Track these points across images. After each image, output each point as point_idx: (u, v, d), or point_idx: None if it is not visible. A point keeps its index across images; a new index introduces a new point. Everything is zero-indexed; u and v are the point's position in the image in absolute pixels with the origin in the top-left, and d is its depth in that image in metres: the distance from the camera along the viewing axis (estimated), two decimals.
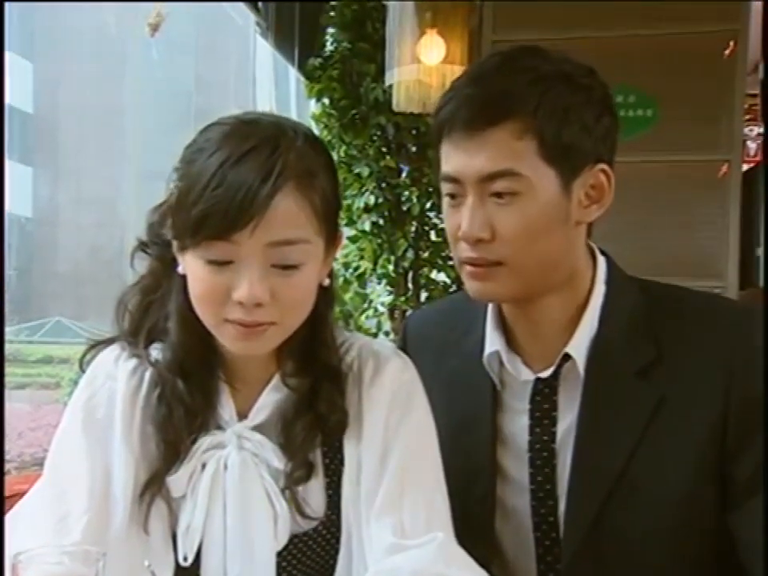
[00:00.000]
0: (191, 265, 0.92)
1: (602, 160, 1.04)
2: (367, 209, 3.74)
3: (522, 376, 1.11)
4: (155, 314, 1.01)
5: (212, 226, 0.87)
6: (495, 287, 1.05)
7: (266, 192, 0.87)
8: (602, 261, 1.12)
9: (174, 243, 0.95)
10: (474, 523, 1.08)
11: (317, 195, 0.91)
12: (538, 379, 1.10)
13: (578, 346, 1.07)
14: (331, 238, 0.96)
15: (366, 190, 3.75)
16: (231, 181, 0.87)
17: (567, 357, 1.08)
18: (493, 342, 1.12)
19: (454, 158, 1.04)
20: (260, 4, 3.85)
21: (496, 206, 1.01)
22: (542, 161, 1.00)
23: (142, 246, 1.01)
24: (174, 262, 0.96)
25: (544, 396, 1.10)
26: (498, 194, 1.01)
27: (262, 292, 0.89)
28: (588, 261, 1.11)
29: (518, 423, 1.12)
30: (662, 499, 1.04)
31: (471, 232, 1.02)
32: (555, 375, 1.09)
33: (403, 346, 1.23)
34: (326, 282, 0.98)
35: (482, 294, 1.07)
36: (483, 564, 0.93)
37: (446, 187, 1.06)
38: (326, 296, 0.99)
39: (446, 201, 1.08)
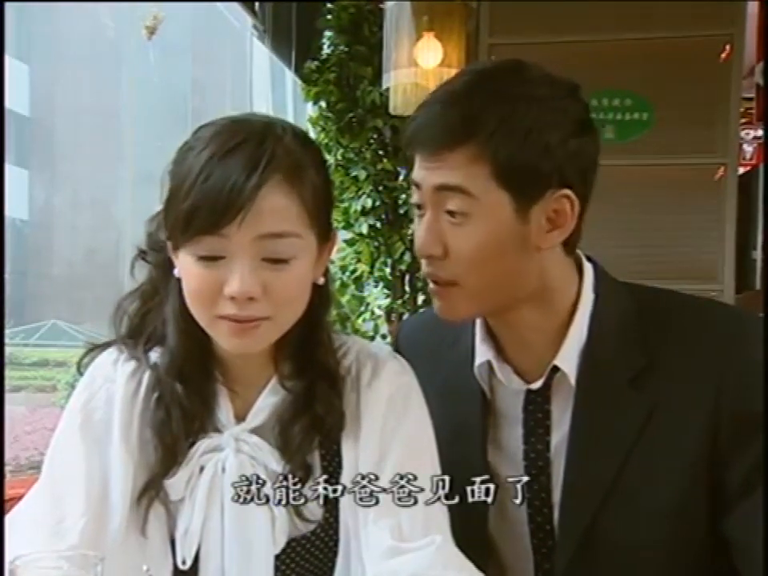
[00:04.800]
0: (184, 262, 0.92)
1: (567, 184, 1.01)
2: (364, 212, 3.75)
3: (513, 385, 1.10)
4: (154, 320, 1.01)
5: (201, 220, 0.87)
6: (452, 307, 1.06)
7: (253, 184, 0.87)
8: (588, 269, 1.09)
9: (168, 244, 0.95)
10: (470, 531, 1.08)
11: (306, 189, 0.91)
12: (530, 390, 1.09)
13: (568, 358, 1.06)
14: (324, 234, 0.96)
15: (363, 193, 3.75)
16: (218, 174, 0.87)
17: (557, 368, 1.07)
18: (483, 352, 1.11)
19: (416, 172, 1.04)
20: (257, 7, 3.86)
21: (449, 225, 1.01)
22: (496, 184, 0.99)
23: (141, 255, 1.01)
24: (171, 267, 0.96)
25: (537, 405, 1.10)
26: (452, 213, 1.01)
27: (253, 285, 0.89)
28: (571, 273, 1.08)
29: (512, 432, 1.12)
30: (655, 506, 1.03)
31: (424, 248, 1.03)
32: (547, 385, 1.08)
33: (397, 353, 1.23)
34: (321, 280, 0.98)
35: (442, 313, 1.07)
36: (481, 571, 0.93)
37: (414, 195, 1.06)
38: (321, 296, 0.99)
39: (414, 212, 1.08)
